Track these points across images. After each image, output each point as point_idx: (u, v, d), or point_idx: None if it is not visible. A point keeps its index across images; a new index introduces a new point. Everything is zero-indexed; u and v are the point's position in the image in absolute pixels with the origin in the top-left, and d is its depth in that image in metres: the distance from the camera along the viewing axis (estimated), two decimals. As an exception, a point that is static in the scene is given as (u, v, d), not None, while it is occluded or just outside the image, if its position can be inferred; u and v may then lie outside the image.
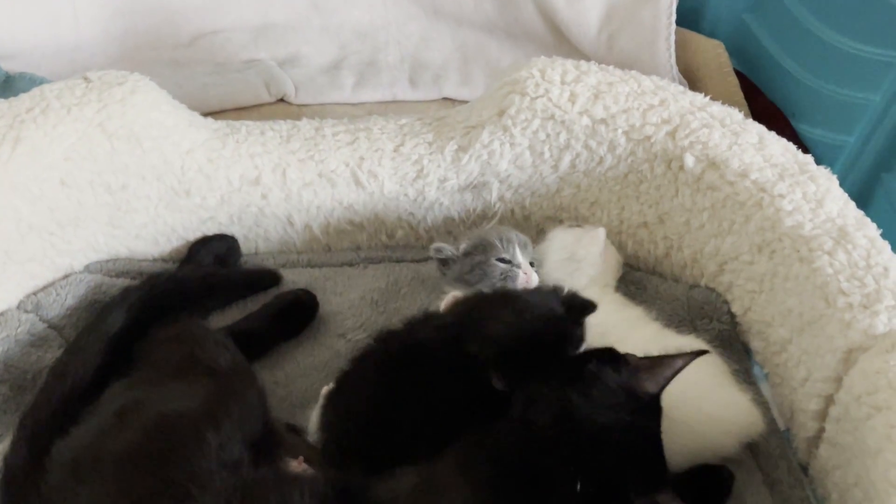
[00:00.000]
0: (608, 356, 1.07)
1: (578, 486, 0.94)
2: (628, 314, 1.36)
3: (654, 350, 1.27)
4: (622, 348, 1.23)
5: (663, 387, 1.04)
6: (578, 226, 1.48)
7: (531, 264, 1.38)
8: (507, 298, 1.21)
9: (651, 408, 1.04)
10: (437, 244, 1.41)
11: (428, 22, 2.21)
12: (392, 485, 0.99)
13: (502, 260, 1.36)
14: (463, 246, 1.40)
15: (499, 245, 1.37)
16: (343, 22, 2.21)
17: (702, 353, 1.07)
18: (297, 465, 1.08)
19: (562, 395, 1.01)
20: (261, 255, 1.59)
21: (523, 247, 1.39)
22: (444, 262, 1.41)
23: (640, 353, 1.25)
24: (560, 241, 1.44)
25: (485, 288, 1.33)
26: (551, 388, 1.03)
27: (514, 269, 1.35)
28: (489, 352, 1.09)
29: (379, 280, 1.53)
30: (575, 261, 1.40)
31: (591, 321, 1.27)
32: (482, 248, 1.38)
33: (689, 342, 1.30)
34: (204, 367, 1.15)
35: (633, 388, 1.03)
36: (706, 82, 1.94)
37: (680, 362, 1.04)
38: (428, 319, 1.24)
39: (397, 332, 1.23)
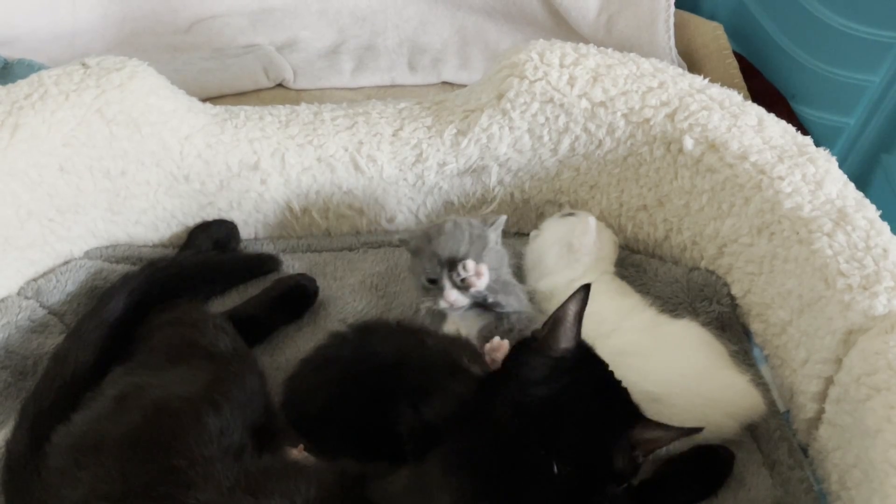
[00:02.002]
0: (517, 345, 1.10)
1: (555, 468, 0.95)
2: (622, 303, 1.36)
3: (648, 338, 1.28)
4: (616, 337, 1.25)
5: (576, 335, 1.05)
6: (571, 214, 1.48)
7: (462, 282, 1.28)
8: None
9: (579, 359, 1.05)
10: (399, 236, 1.42)
11: (426, 6, 2.20)
12: (387, 484, 1.00)
13: (430, 279, 1.31)
14: (411, 244, 1.37)
15: (426, 266, 1.31)
16: (341, 6, 2.20)
17: (587, 286, 1.06)
18: (297, 453, 1.08)
19: (508, 391, 1.03)
20: (260, 240, 1.59)
21: (464, 257, 1.28)
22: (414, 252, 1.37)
23: (632, 342, 1.26)
24: (554, 233, 1.44)
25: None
26: (500, 386, 1.06)
27: (437, 291, 1.30)
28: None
29: (379, 264, 1.53)
30: (570, 252, 1.40)
31: (588, 309, 1.29)
32: (415, 268, 1.35)
33: (684, 326, 1.31)
34: (204, 352, 1.15)
35: (552, 353, 1.04)
36: (705, 64, 1.94)
37: (572, 306, 1.05)
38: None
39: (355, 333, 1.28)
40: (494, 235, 1.36)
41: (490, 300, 1.30)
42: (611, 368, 1.08)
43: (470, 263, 1.26)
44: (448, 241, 1.31)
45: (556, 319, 1.05)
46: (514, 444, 0.98)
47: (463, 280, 1.28)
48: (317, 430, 1.15)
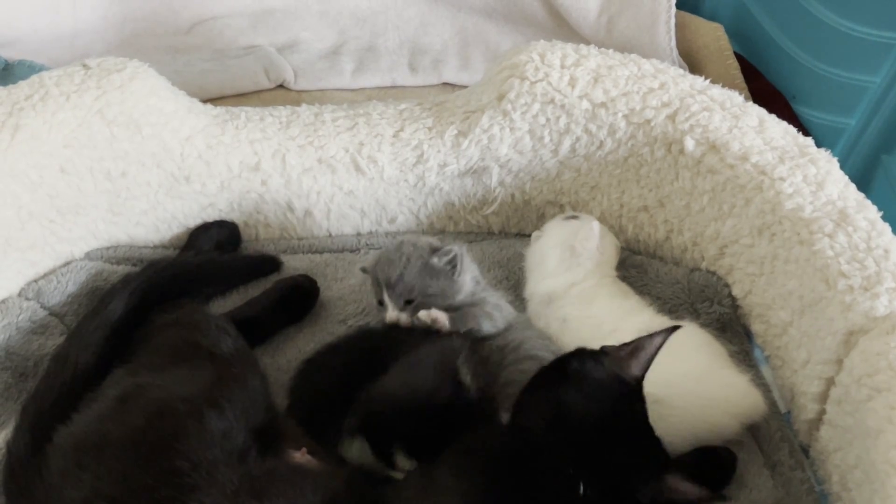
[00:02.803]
0: (586, 353, 1.08)
1: (581, 489, 0.94)
2: (621, 304, 1.36)
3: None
4: (615, 338, 1.24)
5: (647, 367, 1.04)
6: (575, 217, 1.48)
7: (408, 302, 1.29)
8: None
9: (638, 391, 1.04)
10: (361, 265, 1.39)
11: (427, 6, 2.20)
12: (396, 489, 1.01)
13: (380, 301, 1.32)
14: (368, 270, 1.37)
15: (375, 289, 1.34)
16: (342, 7, 2.20)
17: (676, 327, 1.07)
18: (299, 457, 1.07)
19: (551, 398, 1.02)
20: (261, 242, 1.59)
21: (395, 285, 1.29)
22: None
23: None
24: (556, 236, 1.44)
25: None
26: (538, 392, 1.04)
27: (383, 311, 1.30)
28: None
29: (379, 265, 1.53)
30: (572, 255, 1.40)
31: (586, 313, 1.30)
32: (375, 286, 1.34)
33: (684, 327, 1.30)
34: (205, 353, 1.15)
35: (619, 375, 1.04)
36: (706, 65, 1.94)
37: (658, 340, 1.05)
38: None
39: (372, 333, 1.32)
40: (440, 262, 1.32)
41: (462, 331, 1.28)
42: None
43: (423, 313, 1.26)
44: (385, 265, 1.31)
45: (637, 346, 1.05)
46: (542, 456, 0.97)
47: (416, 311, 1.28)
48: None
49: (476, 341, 1.26)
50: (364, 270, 1.38)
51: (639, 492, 0.98)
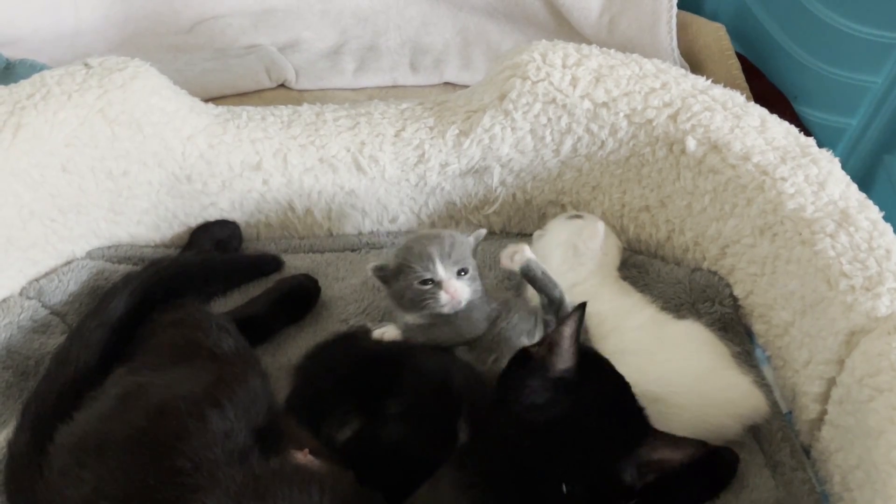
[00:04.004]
0: (514, 361, 1.09)
1: (564, 488, 0.96)
2: (624, 302, 1.36)
3: (650, 337, 1.28)
4: (617, 336, 1.25)
5: (574, 355, 1.04)
6: (579, 216, 1.48)
7: (463, 272, 1.27)
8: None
9: (582, 376, 1.04)
10: (372, 265, 1.31)
11: (428, 6, 2.20)
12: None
13: (424, 282, 1.26)
14: (392, 263, 1.31)
15: (417, 267, 1.26)
16: (343, 6, 2.20)
17: (582, 306, 1.06)
18: (302, 457, 1.07)
19: (499, 415, 1.04)
20: (262, 241, 1.59)
21: (446, 256, 1.26)
22: (385, 281, 1.32)
23: (634, 340, 1.26)
24: (559, 235, 1.44)
25: (421, 314, 1.29)
26: (487, 412, 1.07)
27: (436, 289, 1.25)
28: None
29: (381, 265, 1.53)
30: (575, 255, 1.40)
31: (588, 311, 1.29)
32: (404, 273, 1.27)
33: (688, 326, 1.31)
34: (206, 352, 1.15)
35: (550, 374, 1.04)
36: (708, 65, 1.94)
37: (566, 329, 1.04)
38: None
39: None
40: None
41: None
42: (621, 377, 1.08)
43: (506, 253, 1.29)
44: (427, 242, 1.28)
45: (551, 342, 1.04)
46: (523, 464, 0.98)
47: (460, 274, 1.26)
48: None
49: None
50: (381, 271, 1.31)
51: (623, 473, 0.99)
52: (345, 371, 1.23)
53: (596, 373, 1.07)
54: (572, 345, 1.04)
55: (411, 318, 1.30)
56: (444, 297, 1.24)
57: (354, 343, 1.30)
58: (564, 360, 1.04)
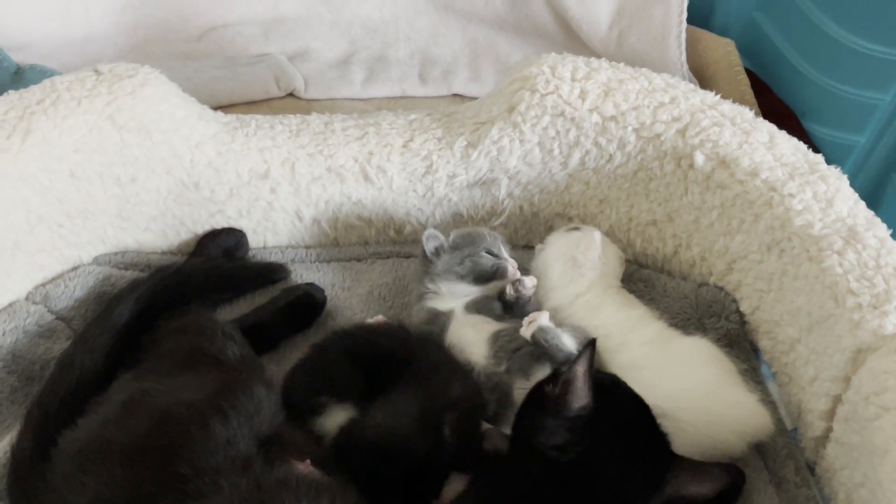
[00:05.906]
0: (530, 399, 1.08)
1: None
2: (630, 314, 1.36)
3: (657, 352, 1.27)
4: (624, 350, 1.24)
5: (589, 392, 1.02)
6: (577, 228, 1.48)
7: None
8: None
9: (600, 411, 1.03)
10: (430, 230, 1.40)
11: (438, 17, 2.20)
12: None
13: (491, 252, 1.37)
14: (451, 238, 1.40)
15: (488, 237, 1.39)
16: (353, 17, 2.21)
17: (591, 343, 1.05)
18: (303, 468, 1.04)
19: (520, 453, 1.05)
20: (269, 250, 1.59)
21: (506, 246, 1.41)
22: (435, 253, 1.40)
23: (641, 356, 1.25)
24: (558, 248, 1.44)
25: (470, 281, 1.36)
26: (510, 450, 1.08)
27: (503, 262, 1.37)
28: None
29: (386, 275, 1.53)
30: (575, 266, 1.39)
31: (593, 323, 1.29)
32: (471, 240, 1.39)
33: (695, 342, 1.30)
34: (212, 359, 1.15)
35: (567, 413, 1.02)
36: (717, 80, 1.94)
37: (579, 367, 1.02)
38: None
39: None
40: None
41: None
42: (640, 401, 1.07)
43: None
44: (483, 237, 1.40)
45: (565, 382, 1.03)
46: (550, 500, 0.99)
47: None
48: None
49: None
50: (434, 237, 1.40)
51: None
52: (359, 352, 1.24)
53: (614, 404, 1.06)
54: (586, 382, 1.02)
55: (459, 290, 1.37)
56: (511, 270, 1.37)
57: (373, 334, 1.30)
58: (580, 398, 1.02)
